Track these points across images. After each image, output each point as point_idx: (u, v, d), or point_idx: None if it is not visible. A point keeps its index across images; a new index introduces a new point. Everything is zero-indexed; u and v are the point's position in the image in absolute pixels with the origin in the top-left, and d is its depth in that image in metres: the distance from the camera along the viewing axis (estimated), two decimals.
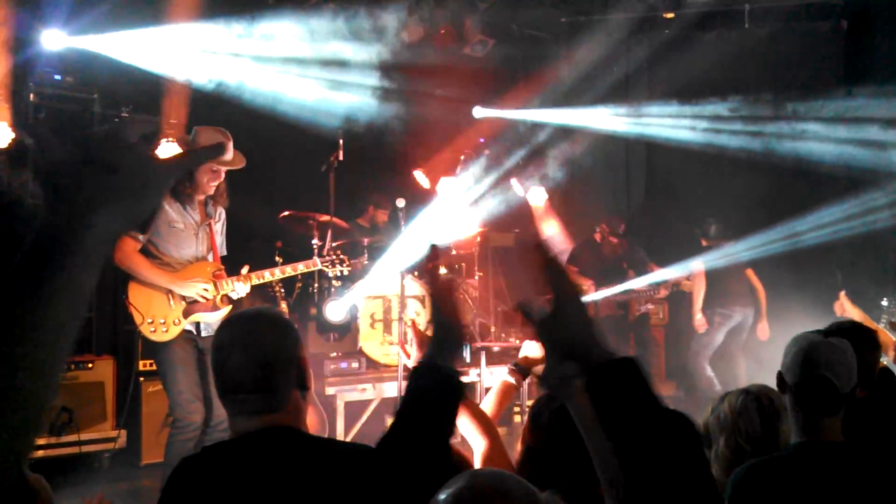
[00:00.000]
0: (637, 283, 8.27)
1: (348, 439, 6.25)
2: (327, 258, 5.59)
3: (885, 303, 6.92)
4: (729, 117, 8.95)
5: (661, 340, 9.03)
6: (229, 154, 5.03)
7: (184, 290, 4.90)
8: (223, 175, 5.05)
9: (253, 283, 5.17)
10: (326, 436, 5.70)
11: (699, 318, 8.14)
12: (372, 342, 6.93)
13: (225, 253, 5.32)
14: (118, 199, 1.06)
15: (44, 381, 0.98)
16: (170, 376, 4.86)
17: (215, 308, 5.01)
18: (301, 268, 5.46)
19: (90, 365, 6.05)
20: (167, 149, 5.38)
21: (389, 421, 6.07)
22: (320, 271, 6.86)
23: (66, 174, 1.04)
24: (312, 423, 5.69)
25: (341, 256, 5.64)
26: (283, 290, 6.43)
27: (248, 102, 7.66)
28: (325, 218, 7.06)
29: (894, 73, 8.21)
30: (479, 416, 2.73)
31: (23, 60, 6.62)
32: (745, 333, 8.32)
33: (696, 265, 8.16)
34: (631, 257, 8.58)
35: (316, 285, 7.05)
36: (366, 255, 7.02)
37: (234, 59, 7.60)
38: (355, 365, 6.71)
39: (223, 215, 5.29)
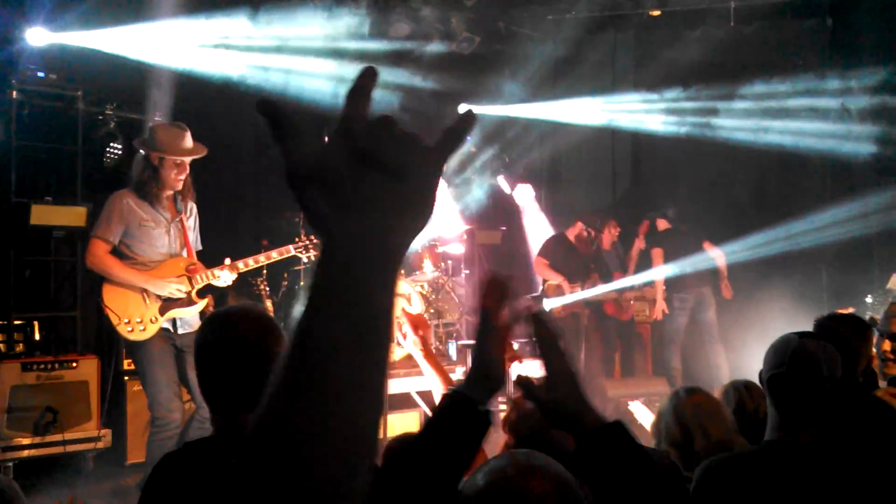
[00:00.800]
0: (603, 289, 8.38)
1: None
2: (300, 244, 5.63)
3: (869, 299, 6.98)
4: (713, 109, 9.00)
5: (648, 338, 9.06)
6: (188, 143, 5.01)
7: (158, 290, 4.91)
8: (188, 168, 5.03)
9: (233, 272, 5.20)
10: None
11: (661, 304, 8.38)
12: None
13: (200, 247, 5.32)
14: (409, 211, 0.78)
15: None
16: (148, 375, 4.87)
17: (191, 303, 5.03)
18: (275, 255, 5.48)
19: (74, 364, 6.01)
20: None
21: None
22: (306, 269, 6.88)
23: (339, 178, 0.76)
24: None
25: (315, 241, 5.65)
26: (268, 289, 6.41)
27: (234, 97, 7.65)
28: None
29: (879, 69, 8.26)
30: None
31: (6, 58, 6.58)
32: (709, 313, 8.44)
33: (655, 252, 8.35)
34: (599, 259, 8.65)
35: (302, 283, 7.03)
36: None
37: (219, 53, 7.58)
38: None
39: (194, 210, 5.27)
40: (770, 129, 8.69)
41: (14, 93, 6.53)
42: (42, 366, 5.87)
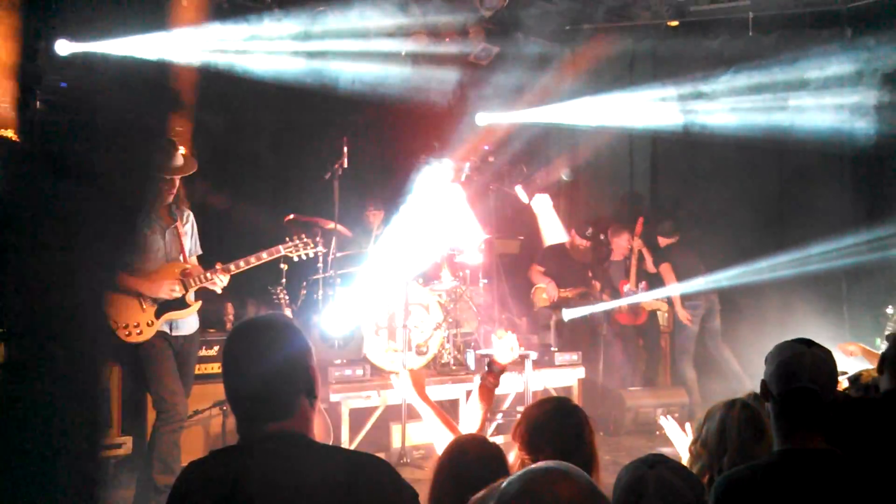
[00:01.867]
0: (616, 302, 8.44)
1: (353, 446, 6.26)
2: (290, 244, 5.75)
3: (889, 310, 6.92)
4: (730, 107, 8.94)
5: (666, 347, 9.03)
6: (178, 162, 5.25)
7: (153, 293, 5.13)
8: (178, 182, 5.29)
9: (226, 275, 5.38)
10: (331, 443, 5.72)
11: (682, 312, 8.45)
12: (377, 349, 6.93)
13: (200, 252, 5.55)
14: None
15: None
16: (149, 372, 5.10)
17: (185, 306, 5.27)
18: (265, 255, 5.59)
19: None
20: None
21: (394, 427, 6.04)
22: (325, 279, 6.90)
23: None
24: (317, 430, 5.70)
25: (305, 240, 5.78)
26: (287, 298, 6.44)
27: (256, 99, 7.71)
28: (331, 226, 7.08)
29: None
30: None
31: (30, 69, 6.65)
32: (717, 320, 8.59)
33: (664, 268, 8.44)
34: (599, 267, 8.68)
35: (321, 292, 7.06)
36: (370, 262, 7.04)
37: (241, 55, 7.62)
38: (360, 372, 6.72)
39: (191, 217, 5.51)
40: (788, 114, 8.62)
41: (38, 103, 6.61)
42: None
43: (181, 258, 5.36)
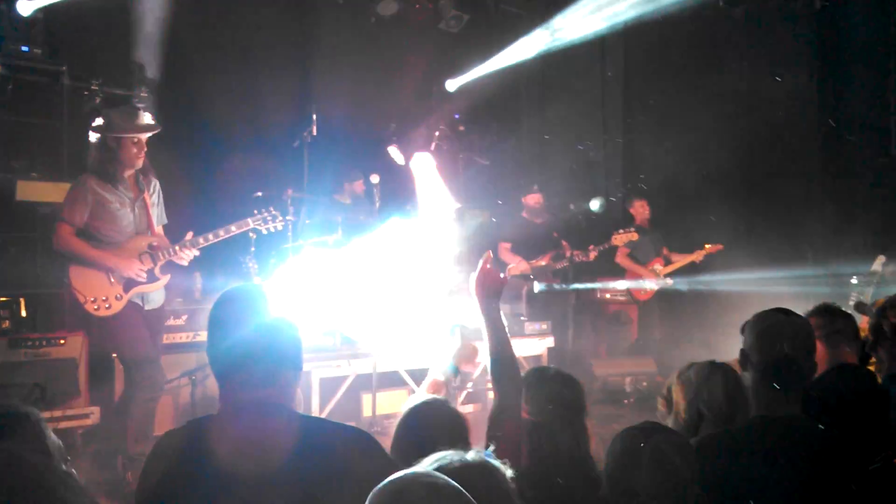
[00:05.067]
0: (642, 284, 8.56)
1: (323, 415, 6.26)
2: (259, 216, 5.64)
3: (854, 280, 7.02)
4: None
5: (634, 317, 9.10)
6: (143, 121, 5.16)
7: (121, 271, 5.06)
8: (145, 146, 5.16)
9: (193, 249, 5.27)
10: (301, 412, 5.71)
11: None
12: (347, 319, 6.90)
13: (165, 221, 5.46)
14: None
15: None
16: (122, 342, 5.10)
17: (154, 279, 5.20)
18: (233, 228, 5.48)
19: (62, 341, 5.97)
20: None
21: (364, 396, 6.01)
22: (294, 248, 6.85)
23: None
24: None
25: (273, 213, 5.69)
26: (256, 267, 6.39)
27: (220, 70, 7.61)
28: (299, 194, 7.02)
29: (866, 52, 8.28)
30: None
31: None
32: None
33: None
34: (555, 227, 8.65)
35: (288, 262, 7.00)
36: (340, 232, 6.98)
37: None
38: (330, 341, 6.70)
39: (157, 186, 5.40)
40: None
41: None
42: (30, 342, 5.84)
43: (149, 231, 5.27)
